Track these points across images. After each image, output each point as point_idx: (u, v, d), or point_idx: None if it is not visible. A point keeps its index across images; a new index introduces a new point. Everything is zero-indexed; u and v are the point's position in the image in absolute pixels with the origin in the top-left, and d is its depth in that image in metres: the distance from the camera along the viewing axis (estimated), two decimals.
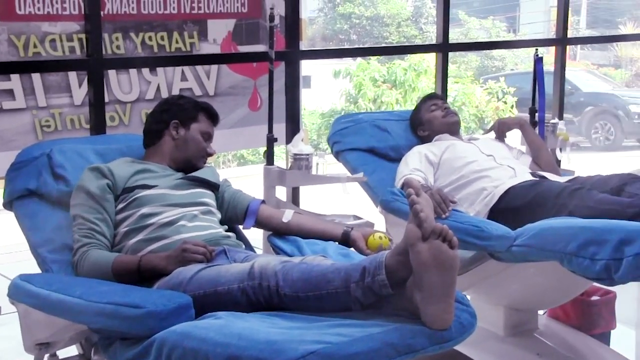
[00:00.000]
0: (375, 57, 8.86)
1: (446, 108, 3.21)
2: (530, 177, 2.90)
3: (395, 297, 1.86)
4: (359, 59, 8.75)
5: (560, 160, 3.93)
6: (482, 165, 2.96)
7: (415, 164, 2.99)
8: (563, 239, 2.33)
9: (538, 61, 3.55)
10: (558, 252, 2.33)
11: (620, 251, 2.21)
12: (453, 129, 3.19)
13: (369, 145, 3.14)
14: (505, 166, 2.97)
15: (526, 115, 3.65)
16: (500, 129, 3.26)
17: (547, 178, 2.91)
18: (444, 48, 3.81)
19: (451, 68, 11.75)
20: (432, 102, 3.24)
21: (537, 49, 3.59)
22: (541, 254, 2.39)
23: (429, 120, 3.21)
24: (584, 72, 14.02)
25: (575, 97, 12.08)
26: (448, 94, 9.58)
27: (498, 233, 2.46)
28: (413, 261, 1.75)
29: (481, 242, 2.44)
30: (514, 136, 3.39)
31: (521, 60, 14.68)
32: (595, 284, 2.86)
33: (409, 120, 3.30)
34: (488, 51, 13.68)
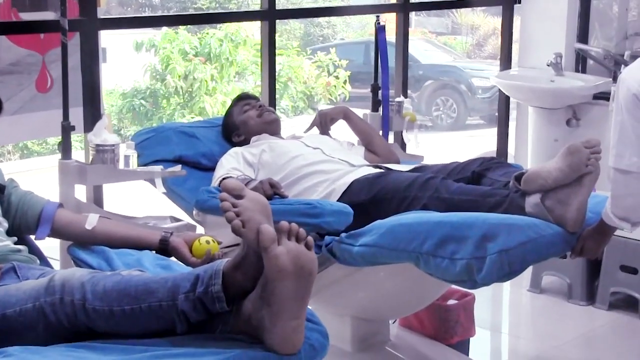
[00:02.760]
0: (185, 26, 8.75)
1: (261, 106, 3.29)
2: (373, 170, 2.97)
3: (230, 317, 1.83)
4: (164, 27, 8.60)
5: (406, 144, 4.05)
6: (310, 158, 3.01)
7: (233, 164, 3.02)
8: (418, 237, 2.40)
9: (380, 30, 3.64)
10: (412, 251, 2.40)
11: (483, 248, 2.30)
12: (272, 128, 3.26)
13: (176, 155, 3.15)
14: (336, 159, 3.03)
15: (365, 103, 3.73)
16: (323, 122, 3.34)
17: (391, 169, 2.98)
18: (270, 15, 3.80)
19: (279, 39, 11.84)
20: (244, 103, 3.31)
21: (378, 16, 3.67)
22: (393, 254, 2.45)
23: (243, 122, 3.27)
24: (422, 41, 14.40)
25: (413, 70, 12.32)
26: None
27: (333, 208, 2.53)
28: (268, 268, 1.72)
29: (315, 220, 2.51)
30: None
31: (352, 28, 14.99)
32: (453, 286, 2.97)
33: (221, 126, 3.35)
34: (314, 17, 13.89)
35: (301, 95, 10.01)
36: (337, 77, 10.10)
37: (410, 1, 4.68)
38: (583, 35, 4.94)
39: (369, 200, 2.77)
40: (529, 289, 4.10)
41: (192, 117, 8.51)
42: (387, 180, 2.80)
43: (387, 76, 3.65)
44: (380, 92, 3.72)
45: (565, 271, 3.96)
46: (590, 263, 3.89)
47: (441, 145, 10.05)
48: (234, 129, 3.29)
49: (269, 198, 2.67)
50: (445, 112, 12.03)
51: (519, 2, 5.08)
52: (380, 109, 3.71)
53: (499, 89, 5.04)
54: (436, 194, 2.65)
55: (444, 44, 15.23)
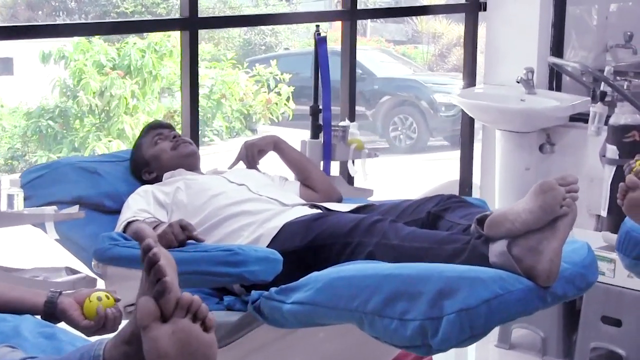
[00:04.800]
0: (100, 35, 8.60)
1: (175, 137, 3.20)
2: (310, 210, 2.87)
3: None
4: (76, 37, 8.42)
5: (353, 177, 3.94)
6: (233, 197, 2.92)
7: (141, 205, 2.91)
8: (361, 293, 2.30)
9: (320, 42, 3.53)
10: (355, 311, 2.31)
11: (439, 307, 2.21)
12: (189, 162, 3.17)
13: (74, 195, 3.06)
14: (264, 197, 2.94)
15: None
16: (250, 154, 3.23)
17: (331, 209, 2.88)
18: (191, 24, 3.67)
19: (207, 48, 11.71)
20: (155, 133, 3.23)
21: (318, 26, 3.56)
22: (332, 314, 2.36)
23: (155, 156, 3.19)
24: (378, 51, 14.44)
25: (367, 84, 12.37)
26: (202, 83, 9.43)
27: (258, 254, 2.45)
28: (147, 353, 1.56)
29: (236, 270, 2.43)
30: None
31: (298, 36, 14.98)
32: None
33: (129, 161, 3.27)
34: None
35: (237, 114, 9.90)
36: (278, 94, 10.01)
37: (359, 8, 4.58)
38: (557, 47, 4.89)
39: (305, 247, 2.67)
40: (497, 344, 4.05)
41: (110, 141, 8.33)
42: (326, 223, 2.69)
43: (328, 96, 3.55)
44: (321, 115, 3.59)
45: (539, 323, 3.89)
46: (567, 314, 3.84)
47: (399, 170, 10.00)
48: (144, 165, 3.19)
49: (182, 244, 2.55)
50: (404, 132, 12.03)
51: (485, 9, 5.02)
52: (322, 135, 3.59)
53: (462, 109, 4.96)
54: (384, 240, 2.55)
55: (402, 54, 15.28)
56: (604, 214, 4.04)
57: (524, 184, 4.59)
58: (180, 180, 3.01)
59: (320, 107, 3.59)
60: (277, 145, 3.26)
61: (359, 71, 12.48)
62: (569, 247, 2.52)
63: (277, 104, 9.96)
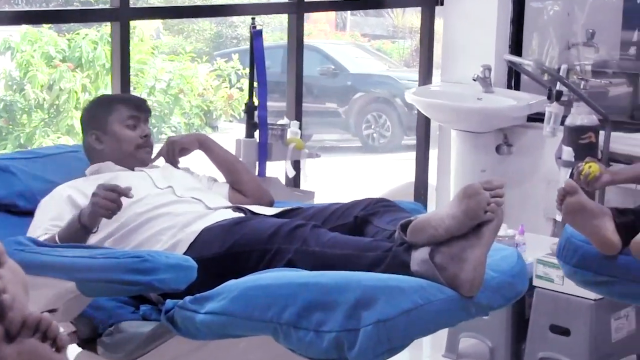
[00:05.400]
0: (49, 25, 8.48)
1: (147, 137, 3.10)
2: (232, 213, 2.83)
3: None
4: (24, 26, 8.31)
5: (296, 179, 3.91)
6: (153, 202, 2.86)
7: (53, 213, 2.82)
8: (277, 303, 2.29)
9: (255, 36, 3.49)
10: (270, 321, 2.29)
11: (356, 318, 2.20)
12: (129, 163, 3.08)
13: None
14: (187, 198, 2.89)
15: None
16: (171, 151, 3.16)
17: (255, 213, 2.83)
18: (122, 15, 3.62)
19: (171, 41, 11.62)
20: (135, 114, 3.09)
21: (253, 19, 3.53)
22: (246, 325, 2.34)
23: (117, 137, 3.07)
24: (352, 46, 14.40)
25: (340, 80, 12.34)
26: (159, 77, 9.32)
27: (169, 261, 2.39)
28: None
29: (145, 278, 2.36)
30: None
31: (270, 28, 14.89)
32: None
33: (46, 157, 3.20)
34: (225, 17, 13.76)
35: (197, 110, 9.81)
36: (241, 89, 9.93)
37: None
38: (516, 44, 4.87)
39: (223, 253, 2.63)
40: (445, 355, 4.02)
41: (59, 137, 8.24)
42: (245, 228, 2.65)
43: (264, 93, 3.51)
44: (257, 112, 3.56)
45: (487, 332, 3.87)
46: (515, 323, 3.82)
47: (372, 170, 9.97)
48: (100, 130, 3.06)
49: (119, 204, 2.59)
50: (377, 130, 11.96)
51: (442, 4, 4.99)
52: (258, 133, 3.56)
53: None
54: (304, 247, 2.51)
55: (377, 49, 15.22)
56: (559, 218, 4.01)
57: None
58: (105, 177, 2.93)
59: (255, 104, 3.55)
60: (203, 144, 3.20)
61: (331, 67, 12.55)
62: (498, 255, 2.50)
63: (239, 99, 9.88)
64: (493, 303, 2.42)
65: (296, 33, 4.37)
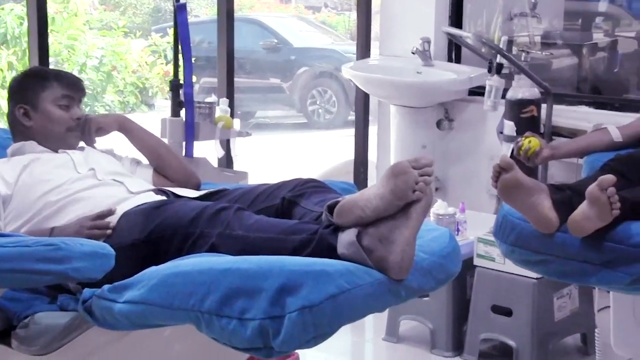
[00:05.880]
0: None
1: (79, 119, 3.03)
2: (154, 197, 2.79)
3: None
4: None
5: (229, 159, 3.88)
6: (73, 187, 2.80)
7: None
8: (198, 290, 2.24)
9: (180, 9, 3.43)
10: (191, 310, 2.25)
11: (280, 305, 2.17)
12: (54, 145, 3.00)
13: None
14: (108, 181, 2.85)
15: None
16: (87, 130, 3.10)
17: (179, 195, 2.79)
18: None
19: (107, 16, 11.48)
20: (69, 93, 3.02)
21: None
22: (166, 314, 2.29)
23: (49, 117, 3.00)
24: (295, 19, 14.38)
25: (283, 54, 12.30)
26: (90, 53, 9.18)
27: (84, 249, 2.33)
28: None
29: (59, 267, 2.29)
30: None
31: (213, 3, 14.79)
32: None
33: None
34: None
35: (131, 87, 9.72)
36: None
37: None
38: (456, 15, 4.86)
39: (143, 239, 2.57)
40: (385, 338, 4.03)
41: None
42: (166, 212, 2.59)
43: (190, 69, 3.46)
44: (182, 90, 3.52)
45: (427, 314, 3.88)
46: (456, 304, 3.83)
47: (317, 147, 9.94)
48: (28, 103, 2.99)
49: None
50: (322, 106, 11.96)
51: None
52: (184, 111, 3.51)
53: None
54: (227, 231, 2.47)
55: (322, 22, 15.20)
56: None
57: None
58: (28, 158, 2.88)
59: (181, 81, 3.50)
60: (123, 126, 3.13)
61: (274, 41, 12.49)
62: (429, 235, 2.48)
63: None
64: (424, 285, 2.39)
65: (226, 5, 4.32)
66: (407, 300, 2.42)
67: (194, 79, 9.61)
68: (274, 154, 9.40)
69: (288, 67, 12.27)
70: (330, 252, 2.32)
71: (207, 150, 3.75)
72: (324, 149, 9.72)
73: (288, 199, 2.65)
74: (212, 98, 3.67)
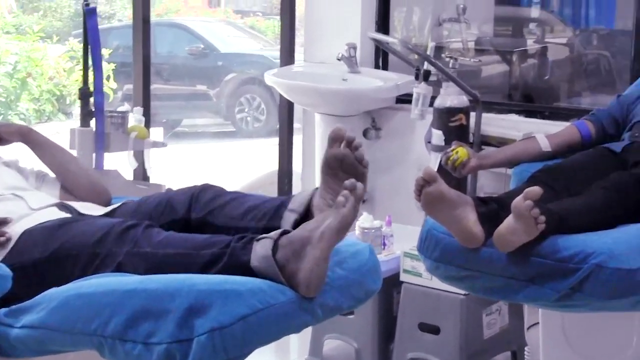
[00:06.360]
0: None
1: None
2: (59, 213, 2.70)
3: None
4: None
5: (144, 171, 3.81)
6: None
7: None
8: (101, 313, 2.20)
9: (89, 14, 3.37)
10: (94, 334, 2.21)
11: (188, 327, 2.14)
12: None
13: None
14: (8, 196, 2.77)
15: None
16: None
17: (83, 214, 2.72)
18: None
19: (25, 20, 11.27)
20: None
21: None
22: (67, 339, 2.25)
23: None
24: (223, 24, 14.32)
25: (210, 60, 12.24)
26: (4, 59, 9.01)
27: None
28: None
29: None
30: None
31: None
32: None
33: None
34: None
35: (48, 95, 9.57)
36: None
37: None
38: (383, 21, 4.84)
39: (45, 259, 2.50)
40: (308, 358, 3.99)
41: None
42: (73, 230, 2.52)
43: (100, 76, 3.39)
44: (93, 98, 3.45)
45: (352, 333, 3.84)
46: (383, 322, 3.80)
47: (244, 156, 9.88)
48: None
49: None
50: (251, 113, 11.92)
51: None
52: (94, 122, 3.44)
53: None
54: (135, 249, 2.41)
55: (251, 27, 15.18)
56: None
57: None
58: None
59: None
60: (26, 138, 3.04)
61: (200, 46, 12.42)
62: (349, 251, 2.45)
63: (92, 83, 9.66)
64: (342, 304, 2.36)
65: (142, 9, 4.25)
66: (326, 319, 2.39)
67: (114, 85, 9.55)
68: (198, 163, 9.32)
69: (215, 74, 12.22)
70: (243, 266, 2.28)
71: (121, 162, 3.68)
72: (252, 158, 9.67)
73: (199, 218, 2.59)
74: (126, 107, 3.60)
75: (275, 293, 2.21)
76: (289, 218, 2.47)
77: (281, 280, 2.23)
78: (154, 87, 12.01)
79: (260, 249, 2.27)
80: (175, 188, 3.70)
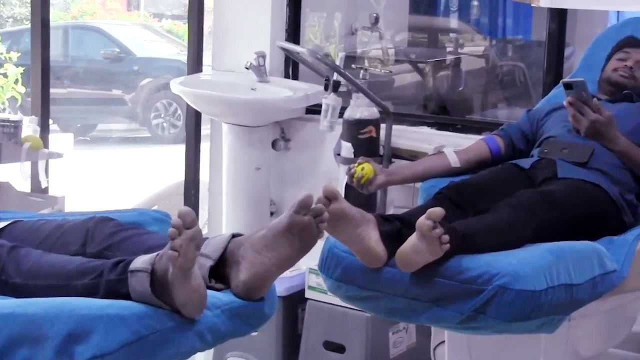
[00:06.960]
0: None
1: None
2: None
3: None
4: None
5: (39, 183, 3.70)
6: None
7: None
8: None
9: None
10: None
11: (68, 354, 2.07)
12: None
13: None
14: None
15: None
16: None
17: None
18: None
19: None
20: None
21: None
22: None
23: None
24: (140, 27, 14.23)
25: (125, 64, 12.16)
26: None
27: None
28: None
29: None
30: None
31: (56, 8, 14.49)
32: None
33: None
34: None
35: None
36: (5, 76, 9.55)
37: None
38: (293, 29, 4.77)
39: None
40: None
41: None
42: None
43: None
44: None
45: (255, 351, 3.82)
46: (286, 339, 3.77)
47: (159, 162, 9.77)
48: None
49: None
50: (167, 119, 11.86)
51: None
52: None
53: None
54: (4, 277, 2.33)
55: (168, 31, 15.10)
56: None
57: (254, 185, 4.47)
58: None
59: None
60: None
61: (116, 50, 12.30)
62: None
63: (2, 87, 9.48)
64: (233, 330, 2.29)
65: (40, 11, 4.13)
66: (217, 344, 2.32)
67: (23, 90, 9.35)
68: (109, 170, 9.19)
69: (131, 78, 12.13)
70: (125, 296, 2.18)
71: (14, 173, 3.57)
72: (165, 165, 9.57)
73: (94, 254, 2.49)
74: (19, 116, 3.48)
75: (162, 318, 2.15)
76: (205, 263, 2.36)
77: (161, 305, 2.15)
78: (68, 90, 11.94)
79: (138, 285, 2.17)
80: (75, 198, 3.61)
